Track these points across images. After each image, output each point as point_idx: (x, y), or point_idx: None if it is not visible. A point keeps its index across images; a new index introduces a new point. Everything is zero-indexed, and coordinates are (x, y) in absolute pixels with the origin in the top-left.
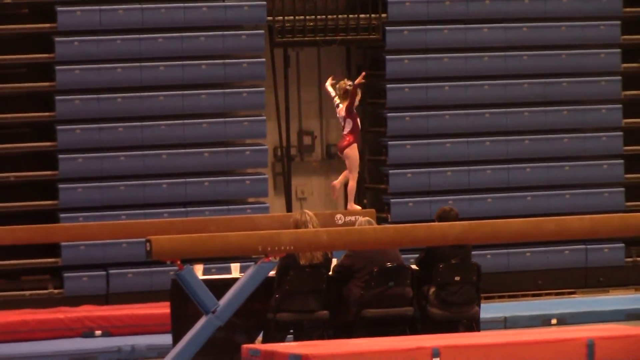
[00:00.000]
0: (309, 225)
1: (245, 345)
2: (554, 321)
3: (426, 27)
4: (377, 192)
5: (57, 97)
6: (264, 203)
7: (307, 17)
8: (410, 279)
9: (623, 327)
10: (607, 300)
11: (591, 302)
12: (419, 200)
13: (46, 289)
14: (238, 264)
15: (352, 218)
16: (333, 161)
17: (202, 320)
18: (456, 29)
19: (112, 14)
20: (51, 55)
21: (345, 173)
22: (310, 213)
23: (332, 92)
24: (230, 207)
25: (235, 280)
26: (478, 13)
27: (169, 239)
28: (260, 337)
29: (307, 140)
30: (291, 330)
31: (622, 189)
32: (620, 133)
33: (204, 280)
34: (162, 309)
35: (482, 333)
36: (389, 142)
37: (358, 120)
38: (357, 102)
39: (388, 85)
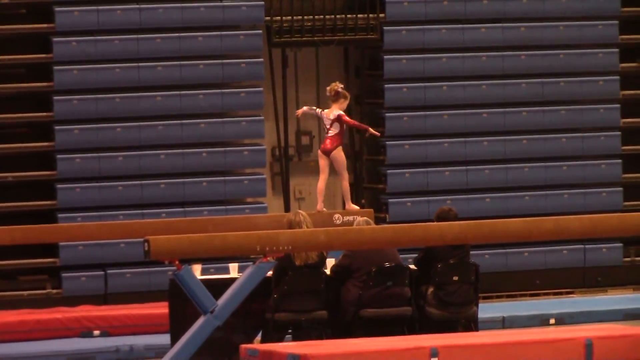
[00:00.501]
0: (303, 225)
1: (243, 345)
2: (552, 321)
3: (424, 27)
4: (375, 192)
5: (55, 98)
6: (262, 203)
7: (305, 17)
8: (409, 279)
9: (621, 326)
10: (605, 300)
11: (589, 301)
12: (417, 200)
13: (44, 289)
14: (236, 264)
15: (350, 218)
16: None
17: (201, 320)
18: (454, 29)
19: (110, 14)
20: (49, 55)
21: (321, 189)
22: (304, 213)
23: (314, 110)
24: (229, 207)
25: (233, 280)
26: (476, 13)
27: (167, 239)
28: (258, 337)
29: (305, 140)
30: (289, 330)
31: (620, 188)
32: (618, 133)
33: (202, 280)
34: (161, 309)
35: (480, 333)
36: (387, 142)
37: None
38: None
39: (386, 85)
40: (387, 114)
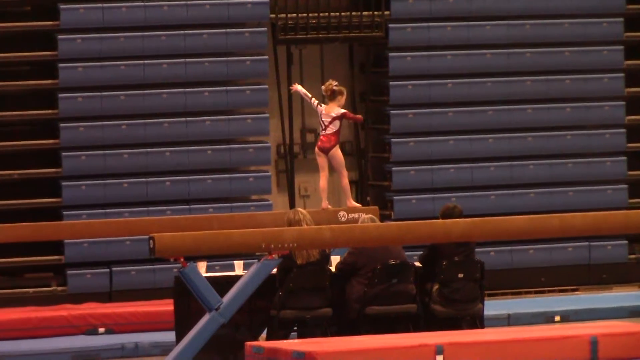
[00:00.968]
0: (303, 224)
1: (248, 343)
2: (557, 318)
3: (429, 25)
4: (380, 189)
5: (60, 95)
6: (267, 200)
7: (310, 14)
8: (414, 276)
9: (626, 324)
10: (610, 297)
11: (594, 299)
12: (422, 197)
13: (49, 286)
14: (241, 262)
15: (355, 215)
16: None
17: (206, 318)
18: (459, 27)
19: (115, 12)
20: (54, 52)
21: (323, 187)
22: (304, 211)
23: (309, 98)
24: (234, 204)
25: (238, 277)
26: (481, 10)
27: (172, 237)
28: (263, 335)
29: (310, 137)
30: (295, 328)
31: (626, 185)
32: (624, 130)
33: (208, 278)
34: (166, 306)
35: (485, 330)
36: (392, 139)
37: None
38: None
39: (391, 83)
40: (392, 112)
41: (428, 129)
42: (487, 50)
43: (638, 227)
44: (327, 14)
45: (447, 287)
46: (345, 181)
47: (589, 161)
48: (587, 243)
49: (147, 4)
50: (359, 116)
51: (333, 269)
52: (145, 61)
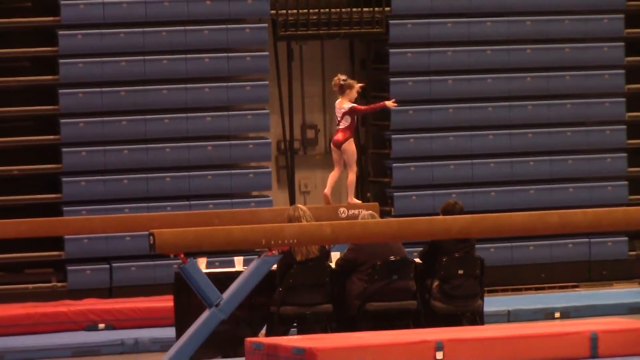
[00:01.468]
0: (303, 220)
1: (248, 339)
2: (557, 315)
3: (430, 21)
4: (380, 186)
5: (61, 91)
6: (267, 196)
7: (311, 10)
8: (414, 273)
9: (626, 320)
10: (610, 294)
11: (594, 295)
12: (422, 193)
13: (50, 282)
14: (241, 257)
15: (356, 212)
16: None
17: (206, 314)
18: (460, 23)
19: (115, 8)
20: (55, 48)
21: (333, 177)
22: (304, 208)
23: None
24: (234, 200)
25: (238, 273)
26: (481, 6)
27: (173, 233)
28: (263, 331)
29: (310, 133)
30: (295, 324)
31: (626, 182)
32: (624, 126)
33: (208, 274)
34: (166, 302)
35: (485, 326)
36: (393, 136)
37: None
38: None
39: (392, 79)
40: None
41: (428, 125)
42: (488, 47)
43: (638, 224)
44: (327, 10)
45: (447, 283)
46: (352, 177)
47: (589, 157)
48: (587, 239)
49: (147, 0)
50: (370, 107)
51: (333, 265)
52: (146, 57)
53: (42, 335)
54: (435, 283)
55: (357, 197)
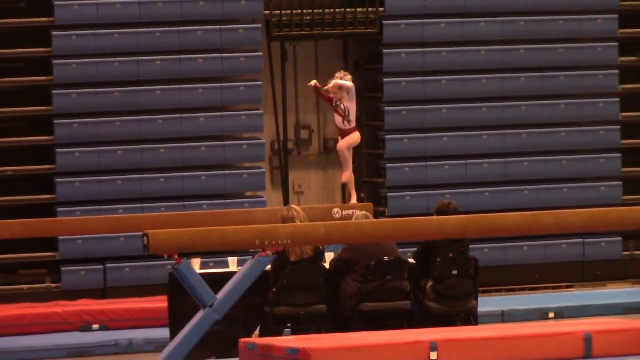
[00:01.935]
0: (296, 220)
1: (242, 339)
2: (551, 315)
3: (423, 21)
4: (374, 186)
5: (54, 91)
6: (261, 197)
7: (304, 10)
8: (408, 273)
9: (620, 320)
10: (604, 294)
11: (588, 295)
12: (416, 193)
13: (44, 282)
14: (235, 258)
15: (349, 212)
16: (330, 155)
17: (200, 314)
18: (453, 23)
19: (109, 8)
20: (48, 49)
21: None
22: (298, 208)
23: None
24: (228, 201)
25: (232, 274)
26: (475, 7)
27: (167, 233)
28: (257, 331)
29: (304, 134)
30: (288, 324)
31: (619, 182)
32: (618, 126)
33: (202, 274)
34: (160, 302)
35: (479, 327)
36: (386, 136)
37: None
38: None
39: (385, 79)
40: (386, 108)
41: (422, 125)
42: (481, 47)
43: (632, 224)
44: (321, 10)
45: (441, 283)
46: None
47: (583, 158)
48: (581, 240)
49: (141, 0)
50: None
51: (327, 265)
52: (140, 57)
53: (36, 335)
54: (429, 283)
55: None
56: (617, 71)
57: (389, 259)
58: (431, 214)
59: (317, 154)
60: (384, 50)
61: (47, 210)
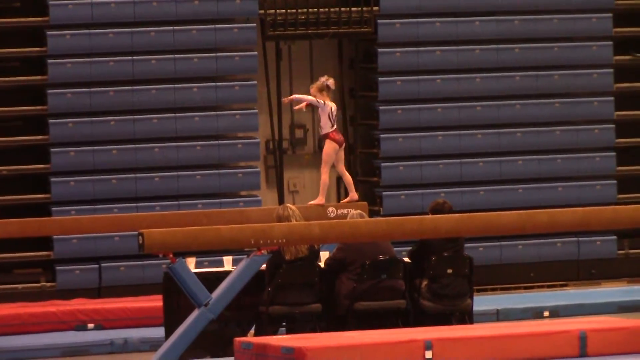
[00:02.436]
0: (292, 219)
1: (237, 339)
2: (546, 313)
3: (418, 20)
4: (369, 185)
5: (49, 91)
6: (256, 196)
7: (299, 10)
8: (403, 272)
9: (615, 319)
10: (599, 293)
11: (583, 294)
12: (411, 193)
13: (39, 282)
14: (230, 257)
15: (344, 211)
16: None
17: (195, 313)
18: (448, 22)
19: (104, 8)
20: (43, 48)
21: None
22: (293, 207)
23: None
24: (223, 200)
25: (227, 273)
26: (470, 6)
27: (162, 232)
28: (252, 330)
29: (299, 133)
30: (283, 323)
31: (614, 181)
32: (612, 125)
33: (197, 274)
34: (155, 302)
35: (474, 326)
36: (381, 135)
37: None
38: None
39: (380, 78)
40: (381, 107)
41: (417, 124)
42: (476, 46)
43: (627, 223)
44: (316, 9)
45: (436, 282)
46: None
47: (578, 157)
48: (576, 238)
49: (136, 0)
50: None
51: (322, 264)
52: (134, 57)
53: (31, 335)
54: (424, 282)
55: (344, 196)
56: (611, 70)
57: (384, 258)
58: (426, 213)
59: (312, 153)
60: (379, 50)
61: (42, 209)
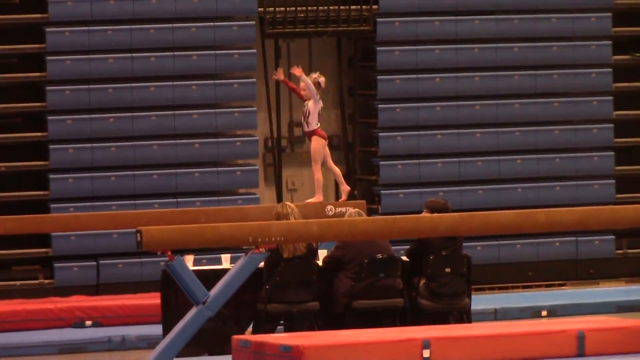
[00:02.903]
0: (291, 217)
1: (235, 336)
2: (544, 313)
3: (417, 19)
4: (367, 184)
5: (48, 88)
6: (254, 194)
7: (298, 8)
8: (401, 271)
9: (613, 319)
10: (597, 292)
11: (581, 294)
12: (409, 191)
13: (37, 279)
14: (229, 255)
15: (343, 209)
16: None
17: (193, 311)
18: (447, 21)
19: (103, 5)
20: (42, 45)
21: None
22: (292, 205)
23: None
24: (221, 198)
25: (225, 271)
26: (469, 5)
27: (160, 230)
28: (250, 328)
29: (297, 131)
30: (281, 322)
31: (613, 181)
32: (611, 125)
33: (195, 271)
34: (153, 299)
35: (472, 325)
36: (380, 134)
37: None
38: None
39: (379, 77)
40: (379, 106)
41: (416, 123)
42: (475, 45)
43: (625, 223)
44: (315, 7)
45: (434, 281)
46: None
47: (577, 156)
48: (574, 238)
49: None
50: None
51: (320, 262)
52: (134, 54)
53: (29, 332)
54: (422, 281)
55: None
56: (610, 70)
57: (382, 257)
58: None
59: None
60: (378, 48)
61: (40, 206)
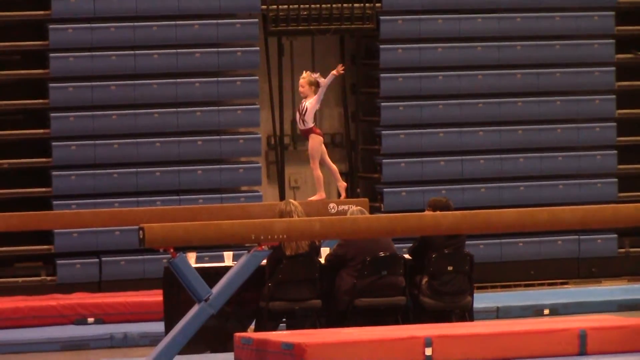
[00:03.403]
0: (294, 215)
1: (237, 334)
2: (546, 311)
3: (420, 17)
4: (370, 182)
5: (51, 85)
6: (257, 192)
7: (302, 5)
8: (403, 269)
9: (615, 317)
10: (599, 291)
11: (584, 292)
12: (412, 189)
13: (39, 276)
14: (231, 253)
15: (345, 207)
16: (326, 150)
17: (195, 309)
18: (450, 19)
19: (106, 2)
20: (45, 42)
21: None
22: (296, 202)
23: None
24: (224, 195)
25: (228, 268)
26: (472, 3)
27: (162, 227)
28: (252, 326)
29: None
30: (284, 319)
31: (615, 179)
32: (614, 124)
33: (197, 269)
34: (155, 296)
35: (474, 323)
36: (383, 132)
37: None
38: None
39: (382, 75)
40: (382, 104)
41: (418, 121)
42: (478, 43)
43: (627, 221)
44: (318, 5)
45: (437, 279)
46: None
47: (579, 155)
48: (576, 236)
49: None
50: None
51: (322, 260)
52: (136, 51)
53: (32, 329)
54: (425, 279)
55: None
56: (613, 68)
57: (384, 255)
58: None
59: None
60: (381, 46)
61: (43, 203)
